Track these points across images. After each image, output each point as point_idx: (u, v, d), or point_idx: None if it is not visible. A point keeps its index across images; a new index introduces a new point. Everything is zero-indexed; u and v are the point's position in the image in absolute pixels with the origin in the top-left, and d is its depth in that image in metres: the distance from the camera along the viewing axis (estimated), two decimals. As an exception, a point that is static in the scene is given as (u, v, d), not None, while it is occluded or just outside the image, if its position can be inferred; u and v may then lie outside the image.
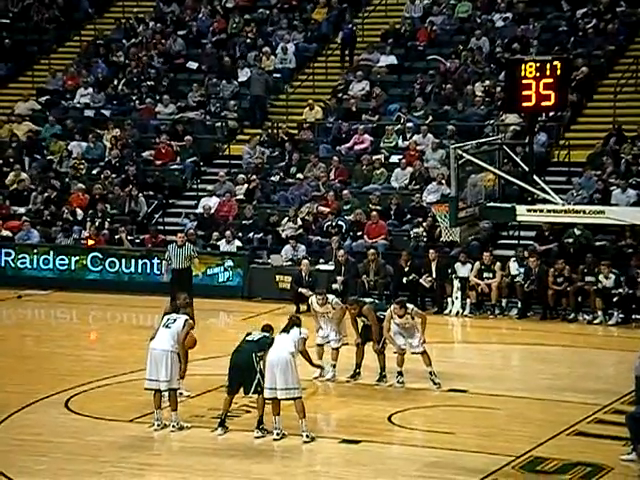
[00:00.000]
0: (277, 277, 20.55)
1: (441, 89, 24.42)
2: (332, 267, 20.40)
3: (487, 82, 23.95)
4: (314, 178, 22.93)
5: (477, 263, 19.72)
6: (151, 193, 23.59)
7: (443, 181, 21.22)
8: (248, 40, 27.10)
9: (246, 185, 23.20)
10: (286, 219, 21.82)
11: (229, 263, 21.19)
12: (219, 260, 21.32)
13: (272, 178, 23.50)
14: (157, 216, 23.38)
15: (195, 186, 24.06)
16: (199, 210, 22.82)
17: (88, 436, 12.59)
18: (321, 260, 20.88)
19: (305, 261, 20.09)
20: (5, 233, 22.67)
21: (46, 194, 23.50)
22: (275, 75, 26.14)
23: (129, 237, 22.34)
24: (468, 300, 19.61)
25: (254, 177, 23.32)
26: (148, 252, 21.80)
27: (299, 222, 21.77)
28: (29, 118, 25.96)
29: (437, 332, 18.58)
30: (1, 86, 27.69)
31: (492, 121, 23.01)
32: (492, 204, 13.68)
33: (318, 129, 24.70)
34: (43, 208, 23.24)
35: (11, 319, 20.48)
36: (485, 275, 19.62)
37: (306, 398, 14.12)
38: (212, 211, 22.65)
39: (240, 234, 21.94)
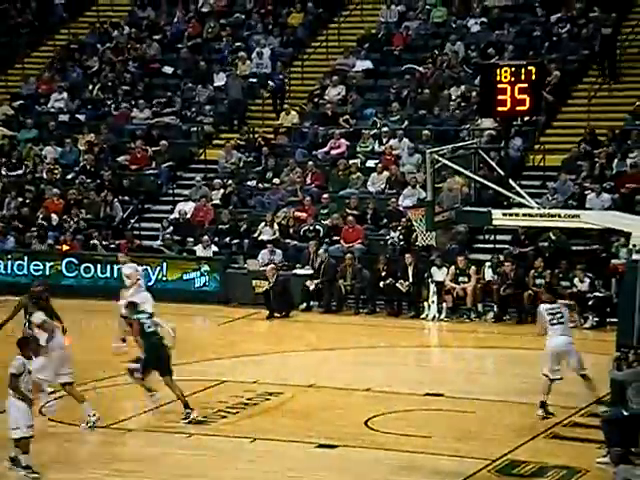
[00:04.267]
0: (254, 282, 20.52)
1: (417, 94, 24.49)
2: (309, 271, 20.41)
3: (462, 87, 24.03)
4: (290, 183, 22.92)
5: (452, 267, 19.77)
6: (126, 198, 23.50)
7: (419, 185, 21.27)
8: (224, 45, 27.07)
9: (222, 190, 23.16)
10: (263, 224, 21.80)
11: (205, 268, 21.14)
12: (195, 265, 21.26)
13: (248, 183, 23.47)
14: (133, 221, 23.28)
15: (171, 191, 23.99)
16: (175, 215, 22.75)
17: (64, 442, 12.50)
18: (298, 265, 20.87)
19: (270, 266, 20.07)
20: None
21: (20, 199, 23.35)
22: (251, 80, 26.11)
23: (104, 242, 22.23)
24: (444, 304, 19.65)
25: (230, 182, 23.28)
26: (124, 257, 21.67)
27: (276, 227, 21.76)
28: (3, 123, 25.79)
29: (413, 336, 18.63)
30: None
31: (468, 126, 23.10)
32: (468, 208, 13.72)
33: (294, 134, 24.70)
34: (17, 213, 23.09)
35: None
36: (460, 279, 19.67)
37: (283, 403, 14.12)
38: (188, 216, 22.59)
39: (216, 239, 21.89)
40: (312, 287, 20.09)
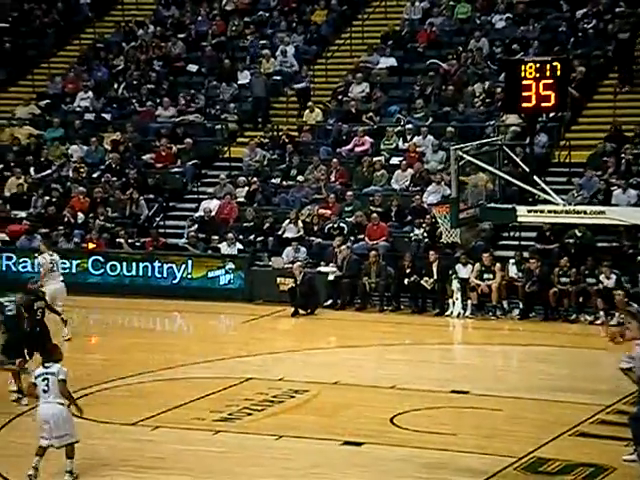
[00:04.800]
0: (278, 279, 20.56)
1: (441, 90, 24.42)
2: (333, 269, 20.43)
3: (487, 83, 23.94)
4: (315, 180, 22.93)
5: (477, 264, 19.71)
6: (152, 196, 23.58)
7: (443, 182, 21.22)
8: (248, 43, 27.12)
9: (247, 188, 23.21)
10: (287, 221, 21.84)
11: (230, 266, 21.19)
12: (220, 263, 21.32)
13: (273, 180, 23.50)
14: (158, 219, 23.37)
15: (196, 189, 24.06)
16: (200, 213, 22.82)
17: (90, 440, 12.58)
18: (322, 262, 20.89)
19: (296, 264, 20.12)
20: (6, 237, 22.66)
21: (47, 198, 23.50)
22: (275, 77, 26.15)
23: (130, 240, 22.34)
24: (469, 301, 19.60)
25: (254, 180, 23.33)
26: (149, 255, 21.80)
27: (300, 224, 21.78)
28: (29, 122, 25.95)
29: (438, 333, 18.60)
30: (1, 90, 27.68)
31: (492, 122, 23.00)
32: (493, 205, 13.67)
33: (318, 131, 24.70)
34: (44, 212, 23.25)
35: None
36: (485, 276, 19.61)
37: (308, 400, 14.15)
38: (213, 214, 22.65)
39: (241, 237, 21.94)
40: (334, 281, 20.08)
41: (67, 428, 11.17)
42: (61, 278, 18.31)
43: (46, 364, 11.34)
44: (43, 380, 11.16)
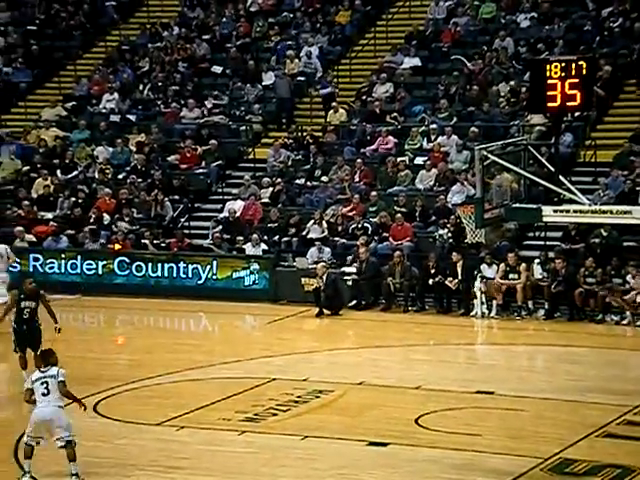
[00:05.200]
0: (303, 280, 20.58)
1: (465, 90, 24.36)
2: (353, 270, 20.43)
3: (512, 83, 23.86)
4: (339, 181, 22.94)
5: (502, 264, 19.65)
6: (177, 197, 23.68)
7: (468, 182, 21.16)
8: (272, 44, 27.17)
9: (271, 188, 23.25)
10: (311, 222, 21.86)
11: (255, 266, 21.24)
12: (245, 263, 21.37)
13: (297, 181, 23.53)
14: (183, 220, 23.46)
15: (220, 190, 24.13)
16: (224, 214, 22.89)
17: (116, 439, 12.66)
18: (347, 262, 20.89)
19: (321, 264, 20.14)
20: (33, 238, 22.83)
21: (73, 199, 23.65)
22: (299, 78, 26.17)
23: (155, 241, 22.44)
24: (494, 302, 19.54)
25: (279, 180, 23.37)
26: (174, 256, 21.89)
27: (324, 225, 21.79)
28: (56, 124, 26.11)
29: (463, 334, 18.55)
30: (28, 92, 27.83)
31: (517, 122, 22.92)
32: (518, 205, 13.62)
33: (343, 132, 24.71)
34: (70, 213, 23.39)
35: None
36: (510, 276, 19.54)
37: (333, 400, 14.16)
38: (237, 215, 22.71)
39: (265, 237, 21.99)
40: (356, 282, 20.08)
41: (68, 428, 11.24)
42: None
43: (42, 368, 11.34)
44: (42, 384, 11.14)
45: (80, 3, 29.53)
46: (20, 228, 22.66)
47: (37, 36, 28.80)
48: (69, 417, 11.41)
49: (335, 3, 27.88)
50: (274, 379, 15.33)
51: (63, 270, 22.24)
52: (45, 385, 11.12)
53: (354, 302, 20.31)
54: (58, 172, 24.62)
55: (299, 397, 14.33)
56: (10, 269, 19.85)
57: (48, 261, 22.24)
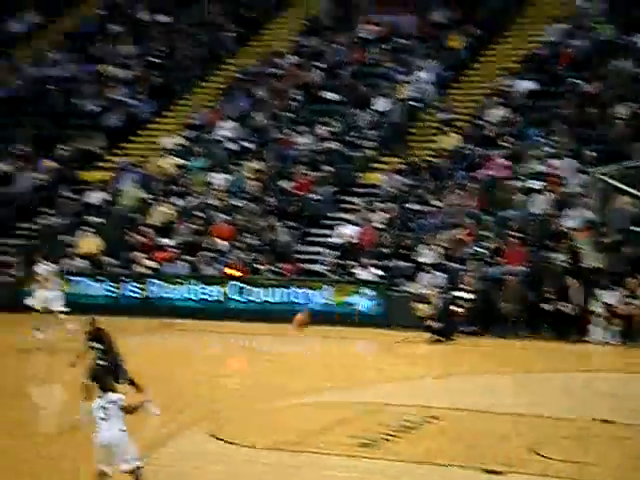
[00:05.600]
0: (415, 305, 20.53)
1: (581, 113, 23.98)
2: (470, 294, 20.28)
3: (630, 104, 23.37)
4: (452, 205, 22.84)
5: (621, 289, 19.19)
6: (291, 223, 23.97)
7: (584, 206, 20.78)
8: (385, 70, 27.32)
9: (384, 213, 23.32)
10: (424, 246, 21.81)
11: (368, 291, 21.29)
12: (358, 288, 21.45)
13: (410, 206, 23.54)
14: (297, 245, 23.72)
15: (334, 215, 24.32)
16: (338, 239, 23.05)
17: (231, 464, 12.80)
18: (460, 287, 20.75)
19: (433, 289, 20.04)
20: (153, 264, 23.42)
21: (191, 225, 24.18)
22: (412, 103, 26.22)
23: (270, 266, 22.74)
24: (613, 327, 19.08)
25: (392, 205, 23.42)
26: (288, 281, 22.13)
27: (437, 249, 21.71)
28: (175, 152, 26.78)
29: (581, 360, 18.16)
30: (149, 122, 28.67)
31: (637, 144, 22.41)
32: (637, 229, 13.34)
33: (455, 156, 24.62)
34: (188, 239, 23.91)
35: (158, 347, 21.11)
36: (630, 302, 19.06)
37: (446, 426, 14.01)
38: (351, 240, 22.84)
39: (379, 262, 22.03)
40: (470, 307, 19.94)
41: (132, 452, 11.27)
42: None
43: (101, 394, 11.41)
44: (101, 409, 11.03)
45: (199, 35, 30.31)
46: (140, 254, 23.32)
47: (159, 68, 29.66)
48: (133, 443, 11.50)
49: (449, 28, 27.88)
50: (387, 404, 15.30)
51: (181, 295, 22.74)
52: (104, 410, 11.12)
53: (467, 328, 20.14)
54: (176, 199, 25.23)
55: (412, 423, 14.25)
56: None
57: (167, 286, 22.76)
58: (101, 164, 27.09)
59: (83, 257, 23.66)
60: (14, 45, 32.01)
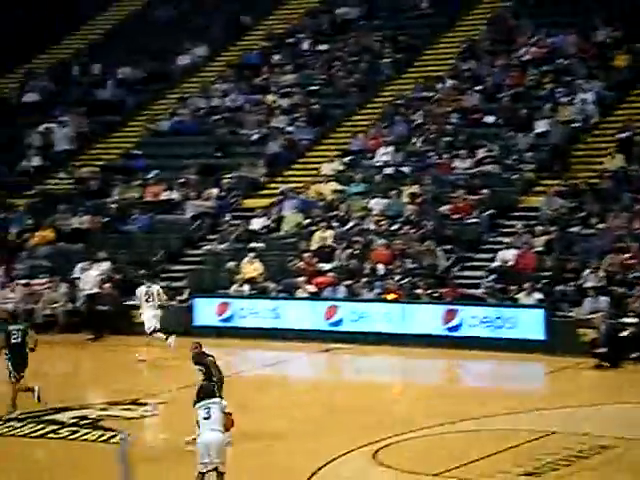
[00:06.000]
0: (580, 330, 20.05)
1: None
2: (636, 319, 19.65)
3: None
4: (616, 228, 22.24)
5: None
6: (449, 247, 23.86)
7: None
8: (545, 91, 26.92)
9: (545, 237, 22.92)
10: (588, 270, 21.30)
11: (529, 316, 20.94)
12: (519, 313, 21.13)
13: (571, 229, 23.05)
14: (455, 270, 23.58)
15: (492, 239, 24.07)
16: (497, 263, 22.79)
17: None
18: (626, 312, 20.15)
19: (599, 314, 19.53)
20: (314, 289, 23.74)
21: (350, 250, 24.41)
22: (574, 125, 25.73)
23: (428, 291, 22.68)
24: None
25: (553, 228, 23.00)
26: (447, 305, 22.00)
27: (602, 273, 21.17)
28: (334, 178, 27.12)
29: None
30: (308, 149, 29.14)
31: None
32: None
33: (620, 177, 23.97)
34: (347, 264, 24.13)
35: (322, 370, 21.38)
36: None
37: (616, 457, 13.60)
38: (510, 264, 22.54)
39: (539, 286, 21.65)
40: (632, 335, 19.32)
41: (222, 456, 11.63)
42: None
43: (206, 399, 11.82)
44: (205, 409, 11.63)
45: (357, 62, 30.69)
46: (301, 278, 23.71)
47: (318, 95, 30.15)
48: (227, 446, 11.70)
49: (613, 47, 27.25)
50: (553, 432, 14.97)
51: (340, 319, 22.94)
52: (207, 411, 11.59)
53: (634, 353, 19.52)
54: (335, 224, 25.53)
55: (580, 452, 13.89)
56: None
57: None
58: (263, 191, 27.71)
59: (246, 282, 24.22)
60: (182, 78, 33.21)
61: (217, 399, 11.91)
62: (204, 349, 14.67)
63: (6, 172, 30.60)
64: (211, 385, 12.62)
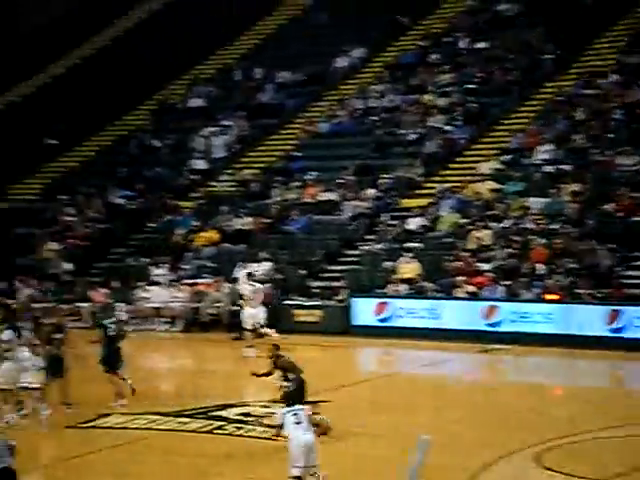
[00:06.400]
0: None
1: None
2: None
3: None
4: None
5: None
6: (613, 246, 23.19)
7: None
8: None
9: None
10: None
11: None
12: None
13: None
14: (619, 269, 22.89)
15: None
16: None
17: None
18: None
19: None
20: (473, 289, 23.54)
21: (508, 250, 24.07)
22: None
23: (590, 291, 22.11)
24: None
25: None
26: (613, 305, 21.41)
27: None
28: (491, 177, 26.80)
29: None
30: (466, 148, 28.89)
31: None
32: None
33: None
34: (505, 263, 23.80)
35: (482, 370, 21.17)
36: None
37: None
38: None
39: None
40: None
41: (315, 460, 11.61)
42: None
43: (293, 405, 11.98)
44: (293, 415, 11.76)
45: (517, 60, 30.20)
46: (460, 278, 23.55)
47: (476, 94, 29.86)
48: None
49: None
50: None
51: (500, 320, 22.67)
52: (296, 415, 11.74)
53: None
54: (493, 223, 25.21)
55: None
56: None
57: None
58: (420, 191, 27.67)
59: (402, 282, 24.25)
60: (339, 80, 33.54)
61: (301, 405, 12.17)
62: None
63: (174, 175, 31.69)
64: (294, 392, 13.04)
